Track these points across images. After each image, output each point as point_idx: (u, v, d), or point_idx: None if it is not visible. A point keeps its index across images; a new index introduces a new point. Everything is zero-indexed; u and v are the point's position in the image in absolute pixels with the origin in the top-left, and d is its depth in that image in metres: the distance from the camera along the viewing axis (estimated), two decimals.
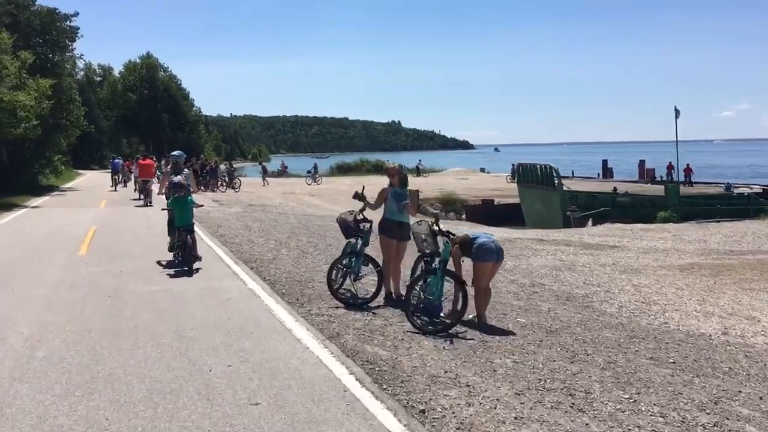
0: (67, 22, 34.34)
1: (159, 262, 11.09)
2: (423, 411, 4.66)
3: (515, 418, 4.57)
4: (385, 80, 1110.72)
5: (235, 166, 43.93)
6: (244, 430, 4.29)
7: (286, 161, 70.58)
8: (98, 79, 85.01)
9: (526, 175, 31.84)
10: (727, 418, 4.80)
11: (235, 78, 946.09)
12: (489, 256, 7.11)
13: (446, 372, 5.51)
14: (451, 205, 36.08)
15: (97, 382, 5.13)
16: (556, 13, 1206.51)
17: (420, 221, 7.58)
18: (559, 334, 7.10)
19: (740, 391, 5.51)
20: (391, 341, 6.45)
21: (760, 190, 37.15)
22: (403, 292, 8.50)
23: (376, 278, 8.34)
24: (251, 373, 5.37)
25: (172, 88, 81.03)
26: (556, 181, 28.88)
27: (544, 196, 29.10)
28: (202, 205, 12.52)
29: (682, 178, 46.54)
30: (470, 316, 7.24)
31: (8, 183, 28.26)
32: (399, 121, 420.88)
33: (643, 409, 4.88)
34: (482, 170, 71.38)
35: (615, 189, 36.85)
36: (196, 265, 10.38)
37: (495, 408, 4.74)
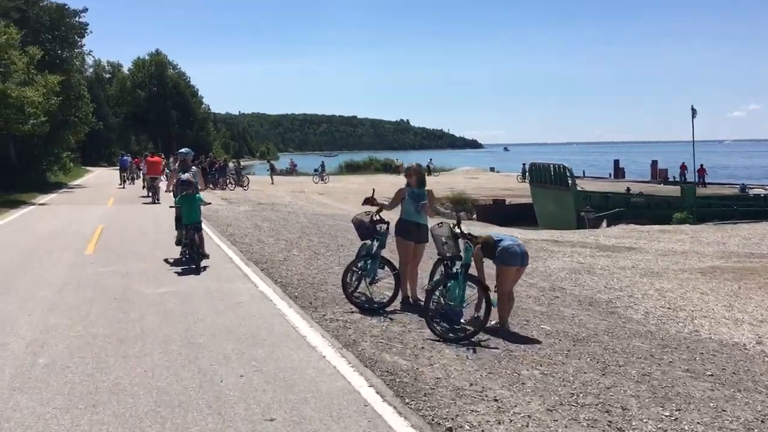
0: (76, 18, 34.14)
1: (166, 260, 10.99)
2: (450, 429, 4.33)
3: None
4: (393, 79, 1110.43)
5: (242, 164, 43.67)
6: None
7: (295, 159, 70.30)
8: (107, 76, 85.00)
9: (539, 174, 31.38)
10: None
11: (244, 76, 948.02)
12: (513, 260, 6.77)
13: (471, 384, 5.18)
14: (461, 205, 35.70)
15: (101, 394, 4.82)
16: (562, 14, 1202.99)
17: (441, 223, 7.23)
18: (586, 342, 6.74)
19: None
20: (411, 349, 6.12)
21: None
22: (420, 296, 8.18)
23: (392, 282, 8.02)
24: (265, 384, 5.05)
25: (181, 86, 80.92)
26: (570, 181, 28.43)
27: (557, 196, 28.65)
28: (209, 203, 12.37)
29: (695, 179, 45.99)
30: (492, 323, 6.90)
31: (16, 180, 28.08)
32: (408, 120, 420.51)
33: (686, 428, 4.53)
34: (492, 170, 70.90)
35: (628, 189, 36.38)
36: (203, 263, 10.31)
37: (527, 426, 4.40)
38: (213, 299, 8.05)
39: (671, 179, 50.18)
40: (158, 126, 76.45)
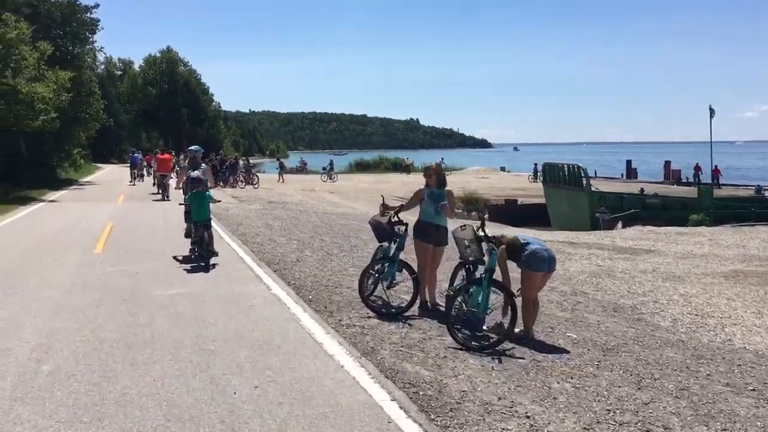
0: (87, 14, 33.99)
1: (175, 258, 10.92)
2: None
3: None
4: (403, 78, 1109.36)
5: (252, 162, 43.45)
6: None
7: (304, 158, 70.06)
8: (119, 73, 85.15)
9: (553, 174, 30.94)
10: None
11: (255, 74, 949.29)
12: (540, 265, 6.44)
13: (500, 398, 4.86)
14: (473, 205, 35.30)
15: (107, 405, 4.54)
16: (569, 14, 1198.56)
17: (464, 225, 6.90)
18: (616, 352, 6.41)
19: None
20: (433, 359, 5.81)
21: None
22: (439, 301, 7.87)
23: (409, 285, 7.71)
24: (281, 396, 4.75)
25: (191, 83, 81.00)
26: (584, 182, 27.99)
27: (571, 196, 28.22)
28: (219, 201, 12.32)
29: (709, 180, 45.41)
30: (516, 330, 6.57)
31: (27, 176, 27.96)
32: (417, 119, 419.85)
33: None
34: (503, 169, 70.42)
35: (642, 190, 35.93)
36: (212, 261, 10.26)
37: None
38: (225, 302, 7.76)
39: (684, 180, 49.57)
40: (169, 123, 76.55)
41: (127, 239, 13.15)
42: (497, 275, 6.52)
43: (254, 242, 12.80)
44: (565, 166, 30.39)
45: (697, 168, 48.12)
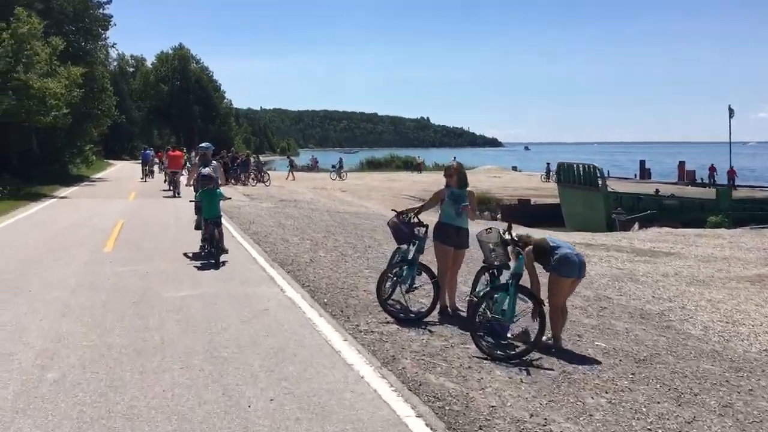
0: (100, 10, 33.86)
1: (186, 254, 10.88)
2: None
3: None
4: (414, 77, 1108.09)
5: (262, 159, 43.23)
6: None
7: (315, 155, 69.79)
8: (131, 69, 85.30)
9: (568, 174, 30.45)
10: None
11: (266, 72, 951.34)
12: (570, 270, 6.10)
13: (532, 415, 4.54)
14: (485, 204, 34.91)
15: (114, 419, 4.25)
16: (583, 14, 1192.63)
17: (489, 228, 6.57)
18: (650, 364, 6.07)
19: None
20: (457, 369, 5.49)
21: None
22: (460, 306, 7.55)
23: (429, 289, 7.40)
24: (298, 411, 4.45)
25: (203, 80, 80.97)
26: (600, 182, 27.51)
27: (586, 197, 27.74)
28: (229, 198, 12.29)
29: (724, 181, 44.79)
30: (544, 338, 6.23)
31: (38, 172, 27.84)
32: (428, 118, 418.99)
33: None
34: (514, 168, 69.83)
35: (657, 191, 35.39)
36: (222, 258, 10.26)
37: None
38: (237, 305, 7.48)
39: (699, 181, 48.88)
40: (181, 120, 76.55)
41: (138, 237, 12.92)
42: (524, 281, 6.20)
43: (267, 242, 12.52)
44: (580, 165, 29.90)
45: (712, 169, 47.46)
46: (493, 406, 4.68)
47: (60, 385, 4.84)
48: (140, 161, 36.65)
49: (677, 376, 5.74)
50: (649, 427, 4.46)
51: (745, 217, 27.03)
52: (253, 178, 32.27)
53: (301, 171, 51.23)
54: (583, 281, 10.74)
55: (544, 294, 6.27)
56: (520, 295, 6.06)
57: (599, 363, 5.93)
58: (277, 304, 7.59)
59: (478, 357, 5.84)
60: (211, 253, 10.37)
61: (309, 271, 9.65)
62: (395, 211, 7.72)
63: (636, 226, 24.57)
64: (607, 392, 5.13)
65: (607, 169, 59.29)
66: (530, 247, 6.24)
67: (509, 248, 6.30)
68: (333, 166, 47.19)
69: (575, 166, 30.18)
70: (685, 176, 51.33)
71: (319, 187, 35.41)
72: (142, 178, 33.00)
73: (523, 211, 32.23)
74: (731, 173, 45.37)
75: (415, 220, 7.44)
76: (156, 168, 35.82)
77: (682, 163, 54.65)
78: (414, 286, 7.37)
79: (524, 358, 5.82)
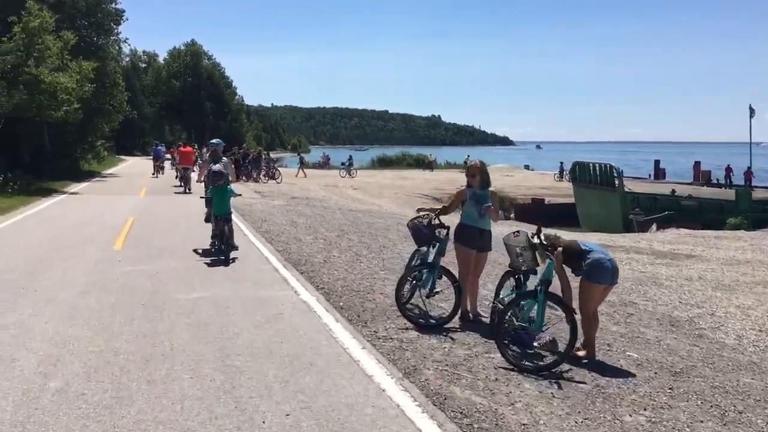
0: (113, 5, 33.67)
1: (196, 251, 10.82)
2: None
3: None
4: (425, 74, 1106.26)
5: (273, 156, 42.98)
6: None
7: (326, 152, 69.46)
8: (143, 65, 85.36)
9: (583, 174, 29.91)
10: None
11: (277, 69, 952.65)
12: (604, 276, 5.75)
13: None
14: (499, 203, 34.46)
15: None
16: (595, 13, 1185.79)
17: (517, 231, 6.22)
18: (687, 377, 5.71)
19: None
20: (483, 381, 5.16)
21: None
22: (481, 312, 7.22)
23: (449, 294, 7.08)
24: (316, 428, 4.13)
25: (215, 76, 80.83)
26: (617, 182, 27.00)
27: (603, 197, 27.22)
28: (240, 195, 12.27)
29: (740, 181, 44.11)
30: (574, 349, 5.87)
31: (49, 167, 27.70)
32: (439, 116, 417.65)
33: None
34: (527, 167, 69.25)
35: (673, 191, 34.82)
36: (232, 255, 10.24)
37: None
38: (250, 308, 7.18)
39: (714, 181, 48.15)
40: (192, 116, 76.45)
41: (148, 235, 12.67)
42: (553, 287, 5.86)
43: (279, 240, 12.23)
44: (596, 165, 29.37)
45: (729, 169, 46.76)
46: (524, 424, 4.35)
47: (63, 396, 4.55)
48: (152, 157, 36.54)
49: (718, 391, 5.38)
50: None
51: (765, 218, 26.46)
52: (264, 175, 32.02)
53: (312, 168, 50.98)
54: None
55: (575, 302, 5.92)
56: (549, 302, 5.72)
57: (633, 376, 5.58)
58: (292, 307, 7.29)
59: (504, 368, 5.52)
60: (221, 250, 10.40)
61: (323, 273, 9.34)
62: (428, 211, 7.42)
63: (654, 227, 24.09)
64: (645, 409, 4.78)
65: (621, 169, 58.72)
66: (560, 249, 5.90)
67: (537, 252, 5.96)
68: (343, 164, 46.89)
69: (591, 165, 29.62)
70: (701, 176, 50.58)
71: (331, 184, 35.10)
72: (153, 174, 32.86)
73: (537, 211, 31.74)
74: (748, 174, 44.69)
75: (436, 221, 7.12)
76: (167, 164, 35.69)
77: (697, 164, 53.82)
78: (435, 290, 7.04)
79: (554, 370, 5.48)
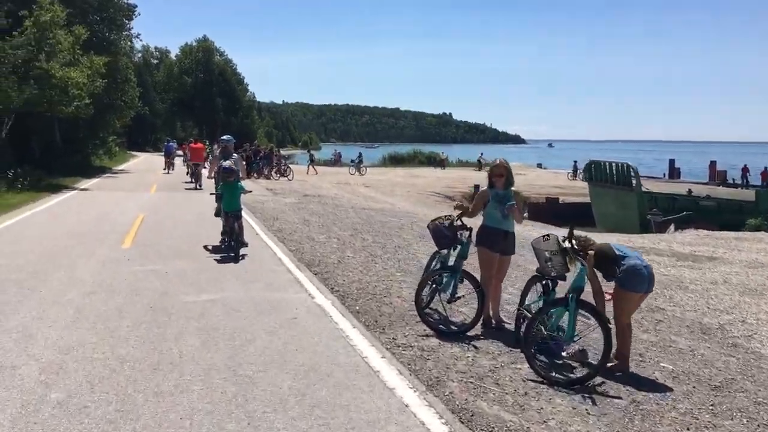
0: (125, 0, 33.50)
1: (206, 247, 10.78)
2: None
3: None
4: (436, 71, 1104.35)
5: (283, 153, 42.70)
6: None
7: (338, 149, 69.14)
8: (155, 61, 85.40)
9: (599, 173, 29.38)
10: None
11: (289, 66, 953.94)
12: (640, 284, 5.40)
13: None
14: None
15: None
16: (607, 13, 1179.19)
17: (547, 235, 5.87)
18: (728, 391, 5.34)
19: None
20: (512, 395, 4.83)
21: None
22: (505, 319, 6.88)
23: (470, 299, 6.74)
24: None
25: (227, 73, 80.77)
26: (634, 182, 26.48)
27: (619, 197, 26.72)
28: (250, 191, 12.19)
29: (757, 182, 43.44)
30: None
31: (60, 163, 27.56)
32: (450, 113, 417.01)
33: None
34: (539, 166, 68.62)
35: (690, 191, 34.25)
36: (242, 251, 10.25)
37: None
38: (263, 312, 6.87)
39: (730, 181, 47.45)
40: (204, 113, 76.43)
41: (157, 233, 12.41)
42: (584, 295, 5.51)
43: (291, 240, 11.94)
44: (613, 164, 28.84)
45: (745, 169, 46.06)
46: None
47: (64, 408, 4.26)
48: (163, 153, 36.41)
49: (762, 408, 5.02)
50: None
51: None
52: (276, 172, 31.77)
53: (324, 165, 50.70)
54: None
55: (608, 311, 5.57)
56: (581, 311, 5.37)
57: (671, 390, 5.23)
58: (306, 312, 6.97)
59: (532, 380, 5.18)
60: (231, 246, 10.37)
61: (338, 274, 9.03)
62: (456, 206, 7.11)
63: (672, 227, 23.63)
64: (689, 429, 4.43)
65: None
66: (592, 252, 5.55)
67: (568, 257, 5.61)
68: (352, 161, 46.61)
69: (607, 164, 29.08)
70: (716, 176, 49.87)
71: (343, 182, 34.79)
72: (164, 170, 32.71)
73: (551, 211, 31.29)
74: (765, 174, 44.00)
75: (459, 222, 6.78)
76: (180, 160, 35.54)
77: (713, 163, 53.09)
78: (457, 295, 6.71)
79: (586, 384, 5.14)
